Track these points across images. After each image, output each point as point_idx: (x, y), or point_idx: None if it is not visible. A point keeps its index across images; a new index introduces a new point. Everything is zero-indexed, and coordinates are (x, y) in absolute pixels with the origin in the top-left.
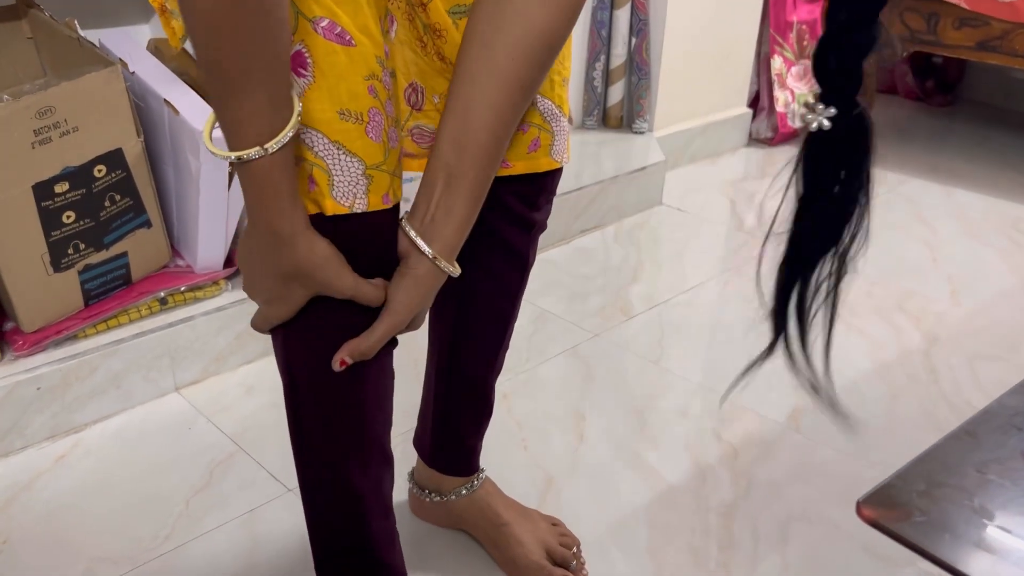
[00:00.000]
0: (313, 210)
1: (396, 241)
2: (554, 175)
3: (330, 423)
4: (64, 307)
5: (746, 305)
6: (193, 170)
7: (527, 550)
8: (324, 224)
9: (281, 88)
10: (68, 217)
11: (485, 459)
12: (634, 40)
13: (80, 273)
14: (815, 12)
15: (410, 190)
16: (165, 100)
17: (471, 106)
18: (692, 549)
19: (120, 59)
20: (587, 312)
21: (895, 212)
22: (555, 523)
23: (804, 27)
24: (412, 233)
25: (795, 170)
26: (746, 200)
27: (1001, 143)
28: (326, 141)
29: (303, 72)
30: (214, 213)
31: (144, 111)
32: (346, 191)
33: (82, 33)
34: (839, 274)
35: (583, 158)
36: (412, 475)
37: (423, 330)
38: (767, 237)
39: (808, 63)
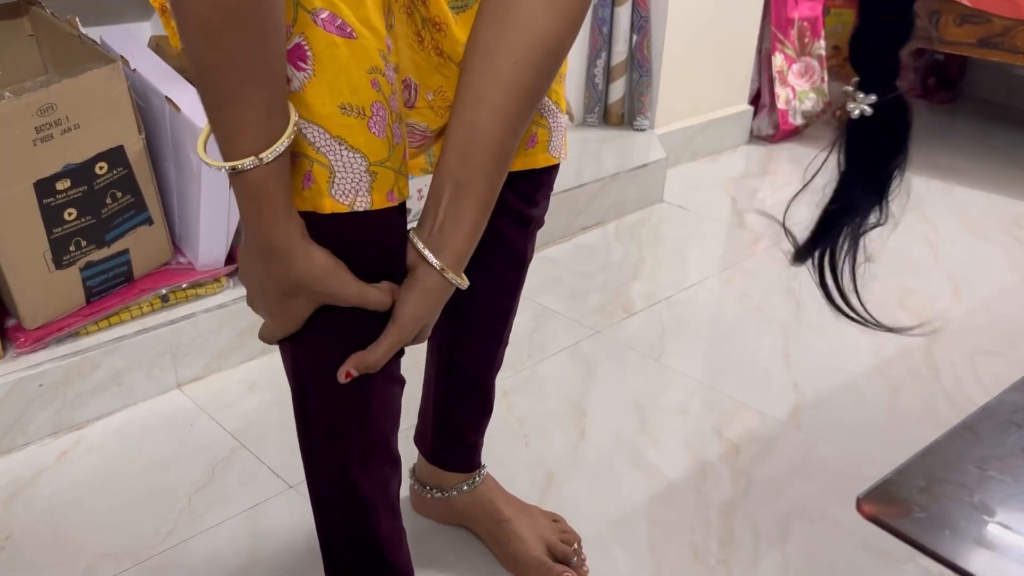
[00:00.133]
0: (305, 208)
1: (403, 240)
2: (551, 171)
3: (338, 428)
4: (66, 304)
5: (746, 302)
6: (194, 167)
7: (528, 546)
8: (322, 223)
9: (277, 96)
10: (70, 214)
11: (486, 456)
12: (635, 37)
13: (82, 270)
14: (816, 9)
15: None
16: (166, 97)
17: (477, 115)
18: (692, 546)
19: (121, 56)
20: (588, 309)
21: (896, 209)
22: (556, 519)
23: (805, 24)
24: (420, 245)
25: (836, 153)
26: (747, 197)
27: (1002, 140)
28: (327, 136)
29: (302, 66)
30: (215, 210)
31: (145, 108)
32: (347, 188)
33: (83, 30)
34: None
35: (584, 155)
36: (413, 472)
37: None
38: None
39: (809, 60)
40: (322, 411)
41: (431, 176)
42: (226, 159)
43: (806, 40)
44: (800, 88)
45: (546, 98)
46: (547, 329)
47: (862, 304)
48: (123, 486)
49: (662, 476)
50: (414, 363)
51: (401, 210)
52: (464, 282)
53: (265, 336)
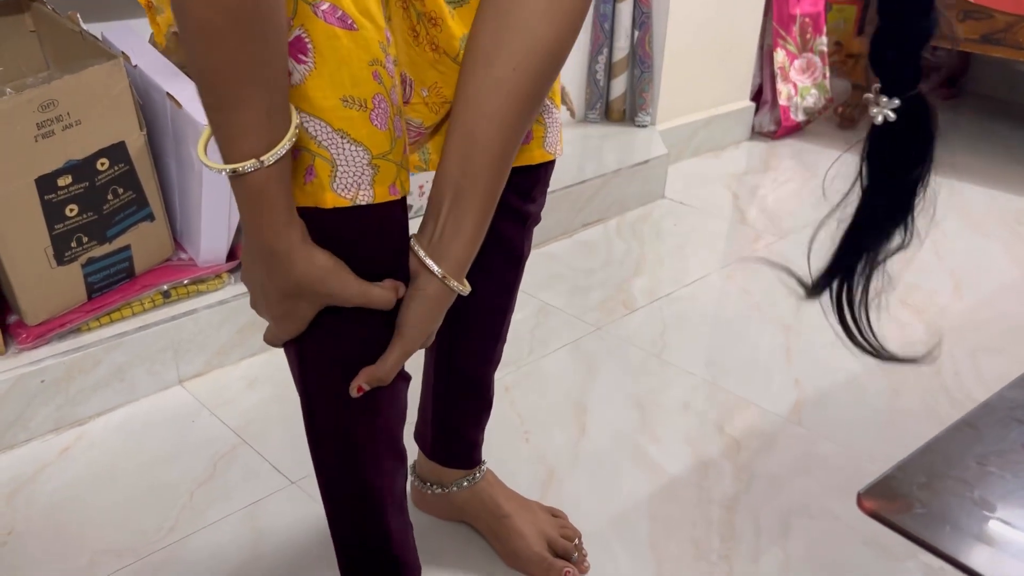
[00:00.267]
0: (307, 203)
1: (405, 234)
2: (548, 167)
3: (346, 428)
4: (67, 300)
5: (748, 298)
6: (195, 163)
7: (528, 542)
8: (324, 218)
9: (278, 98)
10: (71, 210)
11: (487, 452)
12: (637, 33)
13: (83, 266)
14: (818, 5)
15: None
16: (168, 93)
17: (476, 122)
18: (694, 541)
19: (122, 52)
20: (589, 305)
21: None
22: (556, 515)
23: (807, 20)
24: (421, 253)
25: (859, 162)
26: (749, 194)
27: (1005, 136)
28: (329, 130)
29: (303, 58)
30: (216, 206)
31: (146, 104)
32: (350, 182)
33: (84, 26)
34: (897, 248)
35: (585, 151)
36: (414, 468)
37: None
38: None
39: (811, 56)
40: (330, 411)
41: (426, 173)
42: (227, 161)
43: (808, 36)
44: (802, 84)
45: None
46: (548, 325)
47: (875, 337)
48: (125, 482)
49: (663, 472)
50: (413, 360)
51: (402, 204)
52: (466, 288)
53: (269, 339)
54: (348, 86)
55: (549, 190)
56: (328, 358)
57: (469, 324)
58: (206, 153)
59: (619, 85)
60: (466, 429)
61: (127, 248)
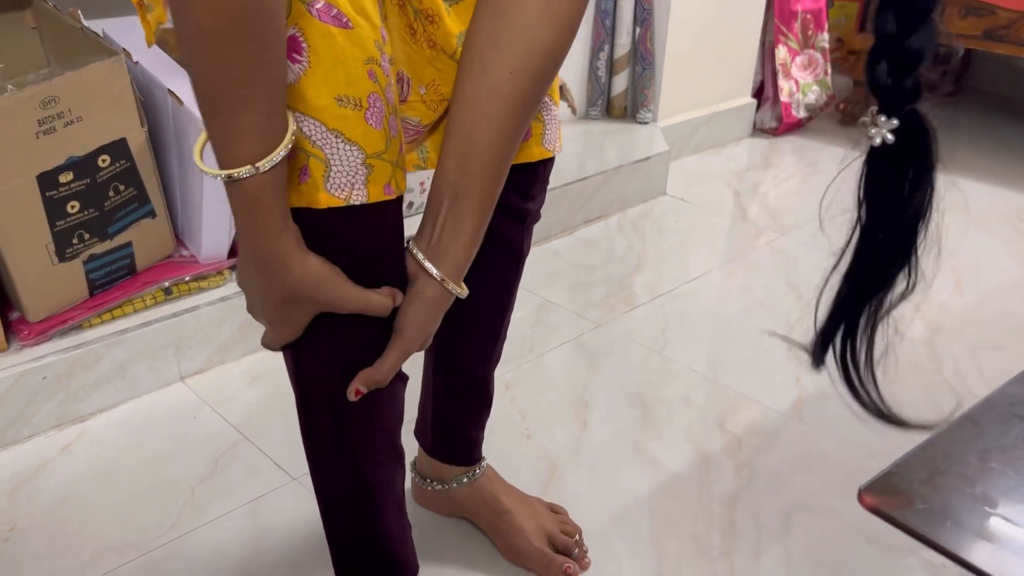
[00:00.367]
0: (301, 203)
1: (401, 234)
2: (546, 164)
3: (343, 429)
4: (69, 297)
5: (749, 295)
6: None
7: (529, 538)
8: (318, 218)
9: (276, 104)
10: (72, 207)
11: (488, 448)
12: (638, 30)
13: (85, 263)
14: (820, 1)
15: None
16: (169, 90)
17: (473, 125)
18: (694, 538)
19: (124, 49)
20: (590, 302)
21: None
22: (557, 511)
23: (809, 16)
24: (420, 256)
25: (856, 191)
26: (750, 190)
27: (1007, 133)
28: (324, 129)
29: (297, 58)
30: (218, 203)
31: (148, 101)
32: (343, 182)
33: (85, 23)
34: (902, 296)
35: (587, 148)
36: (414, 465)
37: None
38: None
39: (812, 52)
40: (326, 412)
41: (424, 171)
42: (222, 166)
43: (809, 33)
44: (803, 81)
45: None
46: (549, 322)
47: (884, 401)
48: (126, 478)
49: (664, 468)
50: (412, 359)
51: (398, 204)
52: (464, 291)
53: (267, 344)
54: (343, 85)
55: (550, 187)
56: (325, 361)
57: (468, 323)
58: (202, 158)
59: (620, 82)
60: (466, 427)
61: (128, 245)
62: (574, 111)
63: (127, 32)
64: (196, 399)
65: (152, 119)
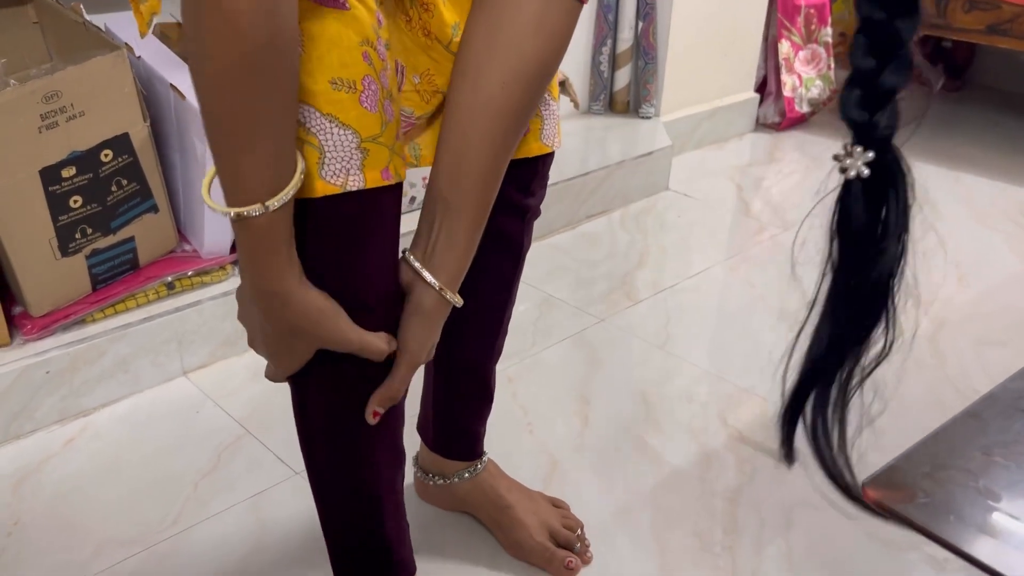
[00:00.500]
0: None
1: (398, 225)
2: (546, 159)
3: (344, 432)
4: (72, 291)
5: (751, 290)
6: (199, 154)
7: (531, 532)
8: (315, 208)
9: (287, 143)
10: (75, 202)
11: (490, 443)
12: (641, 24)
13: (88, 258)
14: None
15: None
16: (171, 85)
17: (465, 139)
18: (697, 533)
19: (126, 43)
20: (593, 297)
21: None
22: (559, 505)
23: (812, 11)
24: (416, 264)
25: (828, 233)
26: (753, 185)
27: (1010, 128)
28: (318, 115)
29: None
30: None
31: (150, 95)
32: (338, 168)
33: (88, 17)
34: (878, 360)
35: (589, 143)
36: (416, 459)
37: None
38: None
39: (815, 47)
40: (326, 414)
41: (419, 168)
42: (231, 205)
43: (813, 27)
44: (806, 75)
45: None
46: (552, 317)
47: (859, 486)
48: (129, 473)
49: (666, 463)
50: None
51: (396, 191)
52: (459, 300)
53: (270, 376)
54: (337, 67)
55: (552, 182)
56: (328, 389)
57: (469, 319)
58: (209, 193)
59: (623, 76)
60: (467, 423)
61: (131, 239)
62: (576, 105)
63: (129, 27)
64: (199, 393)
65: (154, 113)
